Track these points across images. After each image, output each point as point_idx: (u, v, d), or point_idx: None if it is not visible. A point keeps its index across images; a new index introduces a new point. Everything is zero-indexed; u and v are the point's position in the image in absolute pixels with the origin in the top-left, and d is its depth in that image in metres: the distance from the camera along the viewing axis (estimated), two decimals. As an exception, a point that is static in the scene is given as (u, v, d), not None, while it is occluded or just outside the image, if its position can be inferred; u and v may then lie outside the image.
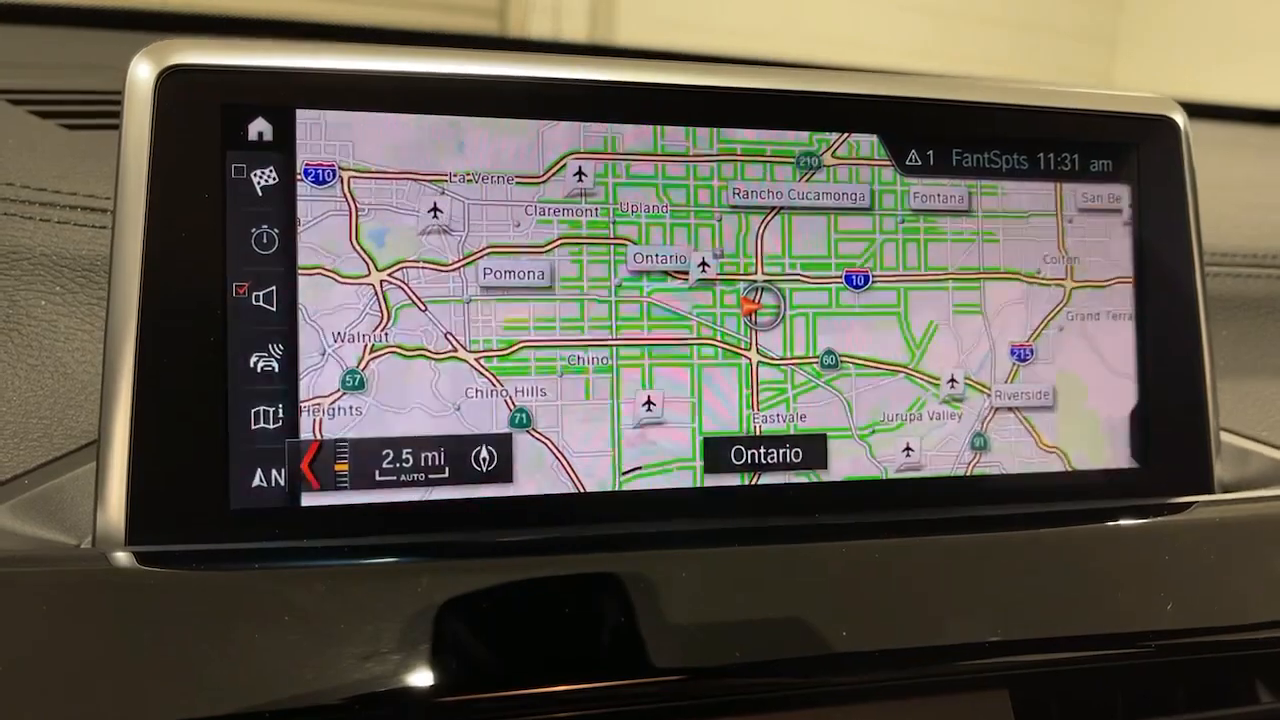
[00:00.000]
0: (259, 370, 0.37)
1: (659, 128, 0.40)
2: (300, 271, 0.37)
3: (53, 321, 0.42)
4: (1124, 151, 0.45)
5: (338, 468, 0.37)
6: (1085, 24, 3.66)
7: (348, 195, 0.38)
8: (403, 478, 0.38)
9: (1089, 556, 0.38)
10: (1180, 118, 0.46)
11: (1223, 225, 0.67)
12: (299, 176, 0.37)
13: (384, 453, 0.37)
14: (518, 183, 0.39)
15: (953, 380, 0.43)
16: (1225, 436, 0.48)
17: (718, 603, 0.34)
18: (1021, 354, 0.44)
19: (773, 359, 0.41)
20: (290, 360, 0.37)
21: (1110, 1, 3.72)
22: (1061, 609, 0.36)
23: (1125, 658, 0.36)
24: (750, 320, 0.41)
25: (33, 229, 0.43)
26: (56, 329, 0.42)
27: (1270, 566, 0.40)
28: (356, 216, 0.38)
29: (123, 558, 0.33)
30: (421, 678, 0.31)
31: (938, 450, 0.43)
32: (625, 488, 0.39)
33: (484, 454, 0.38)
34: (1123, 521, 0.40)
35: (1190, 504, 0.43)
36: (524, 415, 0.39)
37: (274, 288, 0.37)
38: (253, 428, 0.36)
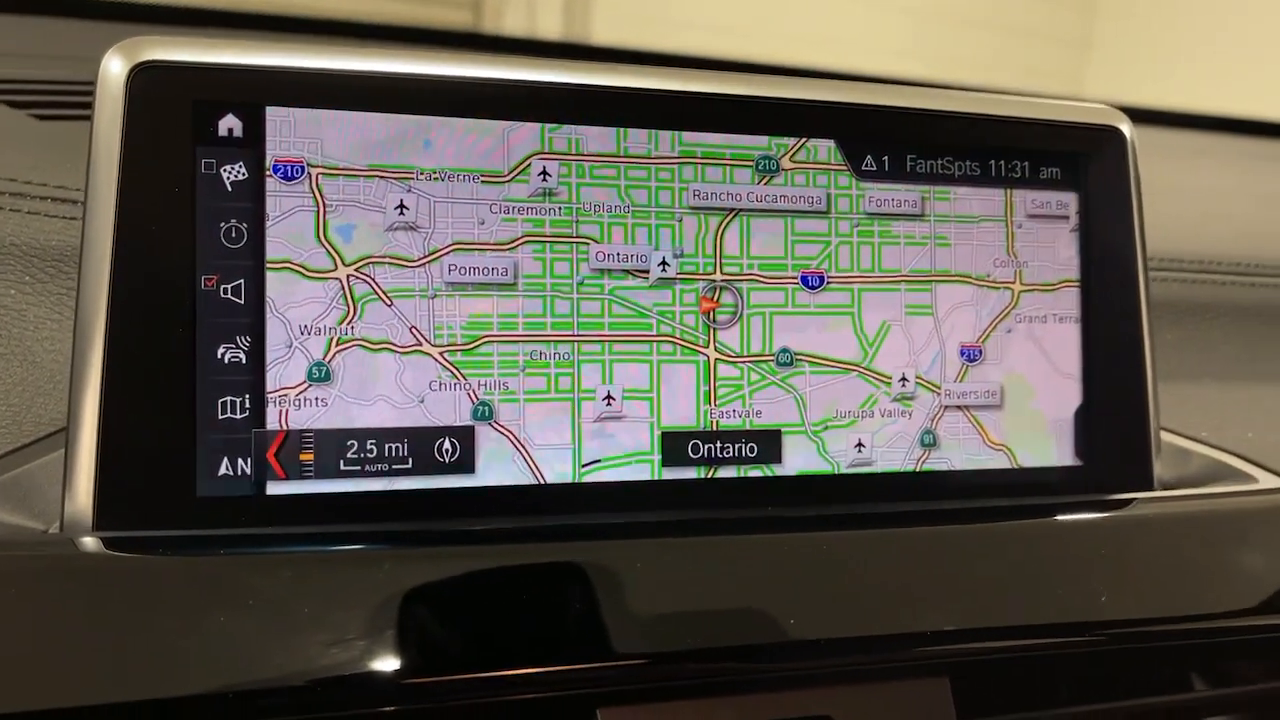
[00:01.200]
0: (226, 361, 0.37)
1: (622, 130, 0.42)
2: (268, 265, 0.38)
3: (22, 310, 0.43)
4: (1072, 160, 0.47)
5: (303, 458, 0.38)
6: (1059, 26, 3.71)
7: (316, 191, 0.38)
8: (367, 468, 0.39)
9: (1030, 550, 0.40)
10: (1127, 128, 0.48)
11: (1176, 231, 0.69)
12: (268, 172, 0.38)
13: (349, 443, 0.38)
14: (483, 181, 0.40)
15: (904, 379, 0.45)
16: (1166, 436, 0.50)
17: (672, 591, 0.35)
18: (971, 354, 0.46)
19: (730, 356, 0.43)
20: (258, 352, 0.38)
21: (1084, 5, 3.77)
22: (1001, 600, 0.38)
23: (1062, 647, 0.38)
24: (709, 318, 0.42)
25: (3, 219, 0.44)
26: (25, 318, 0.42)
27: (1203, 561, 0.41)
28: (324, 212, 0.39)
29: (90, 543, 0.34)
30: (384, 661, 0.32)
31: (888, 446, 0.44)
32: (585, 480, 0.41)
33: (447, 445, 0.39)
34: (1064, 517, 0.42)
35: (1129, 500, 0.44)
36: (487, 408, 0.40)
37: (242, 281, 0.38)
38: (220, 417, 0.37)
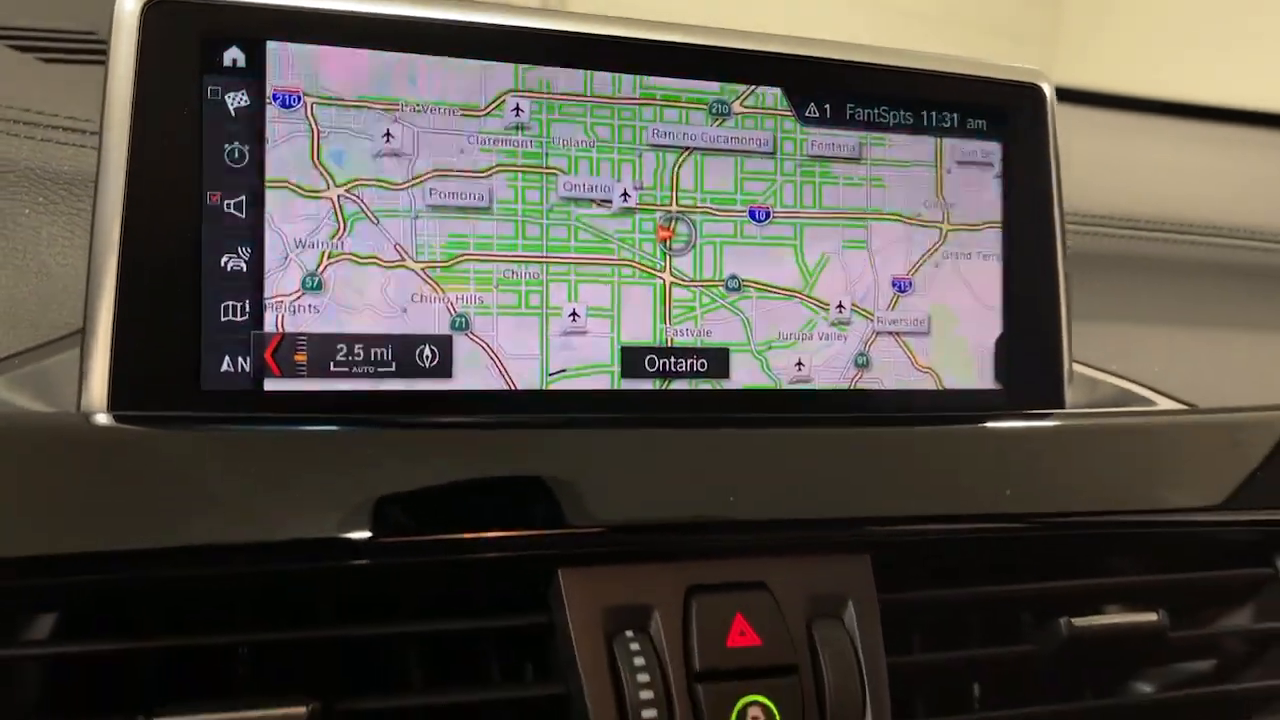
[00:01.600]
0: (229, 270, 0.42)
1: (589, 73, 0.46)
2: (267, 184, 0.42)
3: (36, 228, 0.46)
4: (997, 114, 0.52)
5: (297, 358, 0.42)
6: (1025, 22, 3.77)
7: (311, 119, 0.43)
8: (354, 369, 0.43)
9: (946, 451, 0.45)
10: (1047, 87, 0.53)
11: (1109, 196, 0.75)
12: (268, 100, 0.42)
13: (338, 347, 0.43)
14: (462, 114, 0.44)
15: (840, 306, 0.49)
16: (1078, 368, 0.55)
17: (627, 473, 0.39)
18: (901, 285, 0.50)
19: (684, 280, 0.47)
20: (257, 262, 0.42)
21: (1050, 1, 3.84)
22: (918, 493, 0.43)
23: (969, 533, 0.43)
24: (665, 246, 0.47)
25: (17, 145, 0.48)
26: (40, 235, 0.46)
27: (1100, 467, 0.46)
28: (318, 138, 0.43)
29: (104, 418, 0.38)
30: (362, 522, 0.36)
31: (825, 366, 0.49)
32: (551, 387, 0.45)
33: (427, 352, 0.44)
34: (979, 425, 0.47)
35: (1039, 415, 0.49)
36: (463, 320, 0.44)
37: (243, 198, 0.42)
38: (222, 320, 0.41)
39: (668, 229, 0.47)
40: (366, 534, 0.36)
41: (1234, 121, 1.17)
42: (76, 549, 0.34)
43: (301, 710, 0.33)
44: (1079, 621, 0.42)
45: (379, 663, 0.37)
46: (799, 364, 0.49)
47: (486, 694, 0.37)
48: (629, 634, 0.38)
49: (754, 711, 0.37)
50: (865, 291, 0.50)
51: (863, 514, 0.41)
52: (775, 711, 0.38)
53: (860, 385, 0.50)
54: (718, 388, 0.47)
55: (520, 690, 0.38)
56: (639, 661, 0.37)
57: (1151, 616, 0.44)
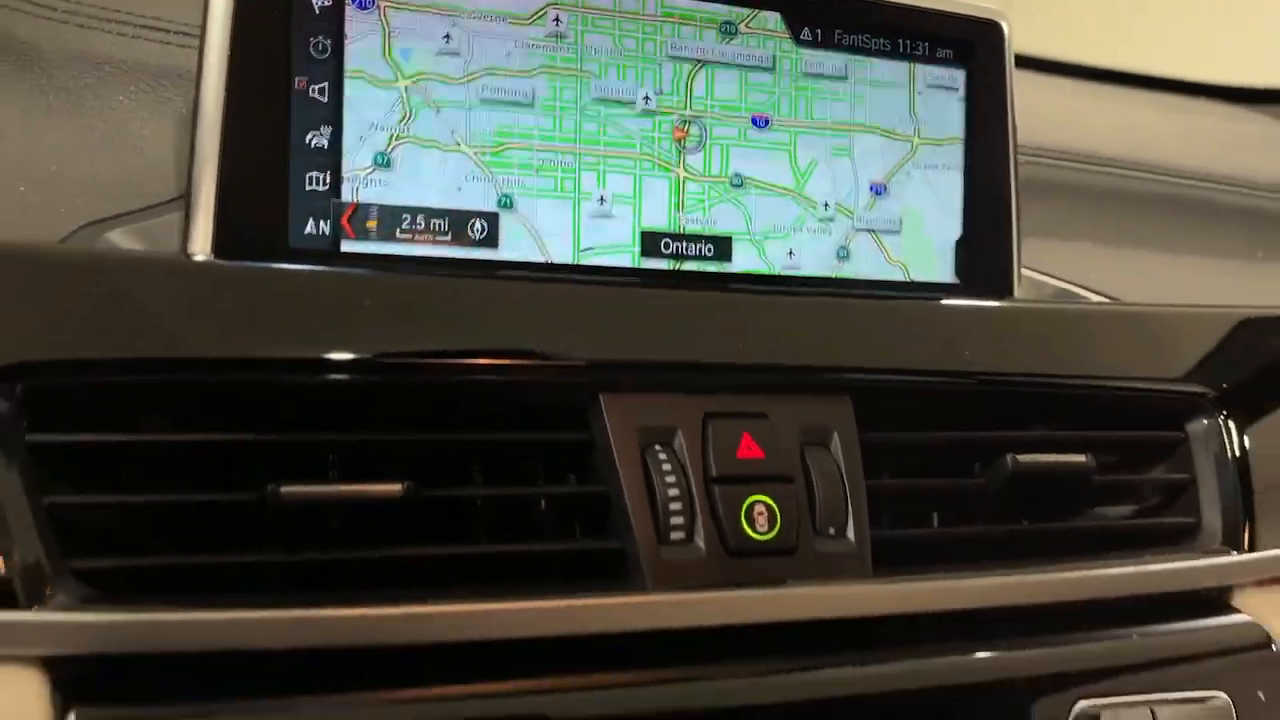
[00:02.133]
0: (312, 146, 0.48)
1: (618, -8, 0.53)
2: (346, 74, 0.49)
3: (129, 113, 0.53)
4: (962, 45, 0.60)
5: (369, 224, 0.49)
6: None
7: (384, 20, 0.50)
8: (417, 236, 0.50)
9: (914, 322, 0.53)
10: (1006, 25, 0.61)
11: (1061, 136, 0.83)
12: (348, 3, 0.49)
13: (404, 216, 0.50)
14: (510, 23, 0.52)
15: (826, 205, 0.57)
16: (1027, 272, 0.64)
17: (653, 320, 0.47)
18: (878, 189, 0.59)
19: (695, 176, 0.55)
20: (336, 140, 0.49)
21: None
22: (889, 349, 0.51)
23: (933, 386, 0.51)
24: (679, 144, 0.55)
25: (110, 41, 0.54)
26: (132, 119, 0.53)
27: (1038, 339, 0.55)
28: (389, 36, 0.50)
29: (206, 258, 0.45)
30: (422, 343, 0.43)
31: (812, 256, 0.57)
32: (581, 261, 0.53)
33: (478, 225, 0.51)
34: (942, 303, 0.56)
35: (991, 302, 0.58)
36: (509, 199, 0.52)
37: (325, 84, 0.49)
38: (307, 189, 0.48)
39: (682, 130, 0.55)
40: (442, 358, 0.43)
41: (1179, 92, 1.28)
42: (200, 354, 0.41)
43: (397, 488, 0.41)
44: (1023, 458, 0.51)
45: (452, 466, 0.44)
46: (790, 253, 0.57)
47: (543, 489, 0.45)
48: (658, 448, 0.46)
49: (759, 508, 0.46)
50: (847, 193, 0.58)
51: (845, 364, 0.50)
52: (777, 510, 0.46)
53: (841, 273, 0.58)
54: (722, 269, 0.55)
55: (573, 488, 0.45)
56: (667, 468, 0.45)
57: (1081, 459, 0.52)
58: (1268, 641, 0.53)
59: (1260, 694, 0.51)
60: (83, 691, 0.36)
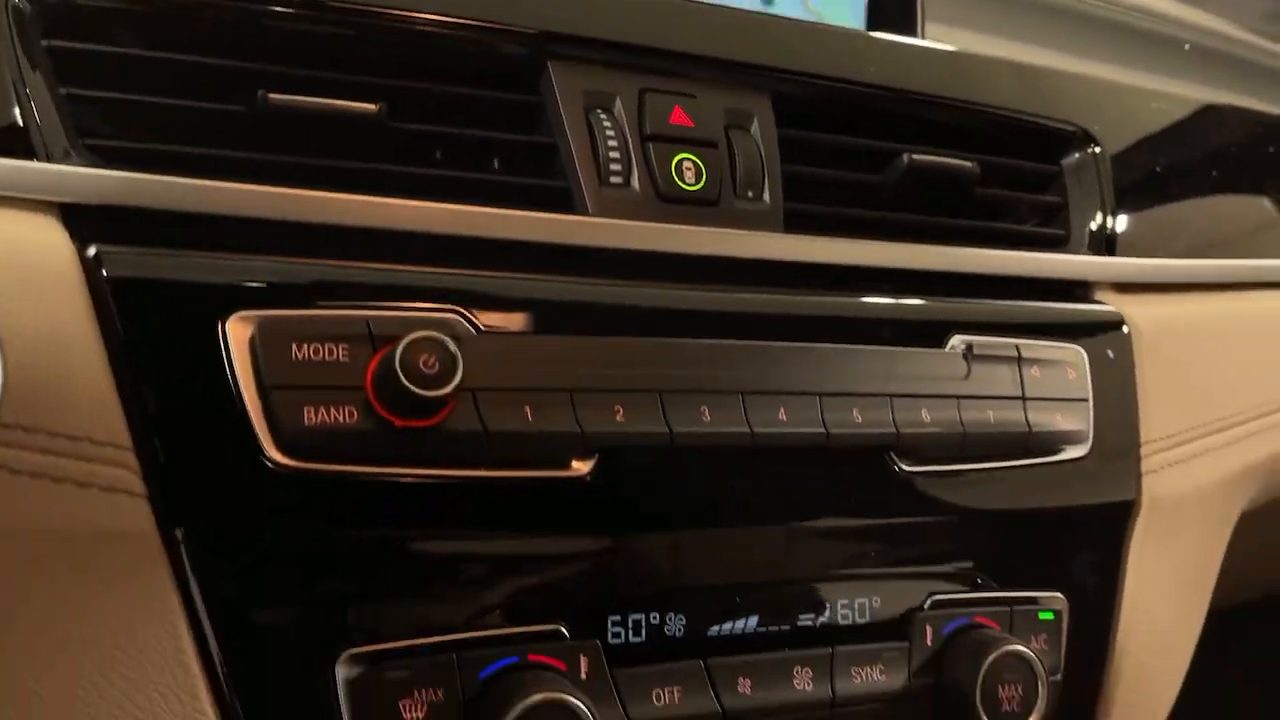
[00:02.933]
0: None
1: None
2: None
3: None
4: None
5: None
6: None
7: None
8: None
9: (831, 39, 0.60)
10: None
11: None
12: None
13: None
14: None
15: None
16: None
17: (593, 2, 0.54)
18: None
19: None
20: None
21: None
22: (807, 58, 0.58)
23: (842, 93, 0.59)
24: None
25: None
26: None
27: (929, 69, 0.63)
28: None
29: None
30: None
31: (741, -7, 0.64)
32: None
33: None
34: (857, 33, 0.63)
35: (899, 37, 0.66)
36: None
37: None
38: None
39: None
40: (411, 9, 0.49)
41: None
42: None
43: (372, 106, 0.47)
44: (917, 157, 0.59)
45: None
46: (722, -11, 0.64)
47: (499, 134, 0.51)
48: (600, 111, 0.52)
49: (687, 164, 0.53)
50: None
51: (767, 63, 0.57)
52: (703, 167, 0.53)
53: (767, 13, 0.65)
54: None
55: (525, 137, 0.52)
56: (608, 124, 0.52)
57: (969, 164, 0.60)
58: (1120, 322, 0.62)
59: (1109, 352, 0.59)
60: (98, 233, 0.42)
